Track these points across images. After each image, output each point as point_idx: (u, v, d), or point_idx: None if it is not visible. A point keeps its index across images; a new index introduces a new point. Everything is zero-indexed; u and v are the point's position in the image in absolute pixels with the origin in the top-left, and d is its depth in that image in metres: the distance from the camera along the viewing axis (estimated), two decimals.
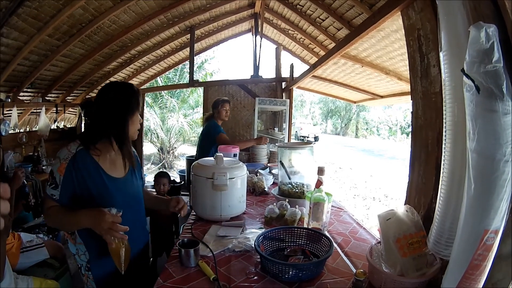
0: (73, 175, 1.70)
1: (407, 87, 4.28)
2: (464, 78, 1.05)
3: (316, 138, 27.20)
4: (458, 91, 1.15)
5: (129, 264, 1.71)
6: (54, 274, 2.91)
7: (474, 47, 1.03)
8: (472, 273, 1.08)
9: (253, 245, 1.81)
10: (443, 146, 1.26)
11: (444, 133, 1.26)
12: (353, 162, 16.09)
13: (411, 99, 1.78)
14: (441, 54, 1.24)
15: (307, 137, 26.89)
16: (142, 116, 2.16)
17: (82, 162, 1.73)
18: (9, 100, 5.41)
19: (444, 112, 1.25)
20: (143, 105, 7.83)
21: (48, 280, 2.69)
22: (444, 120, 1.26)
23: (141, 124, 2.01)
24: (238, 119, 7.15)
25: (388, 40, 3.10)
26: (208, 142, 4.53)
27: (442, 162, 1.27)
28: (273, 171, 3.81)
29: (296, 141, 19.71)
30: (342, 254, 1.88)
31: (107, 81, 7.33)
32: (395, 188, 9.94)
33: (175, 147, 14.92)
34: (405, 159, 13.87)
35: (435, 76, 1.50)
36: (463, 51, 1.09)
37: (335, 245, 1.96)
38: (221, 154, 2.54)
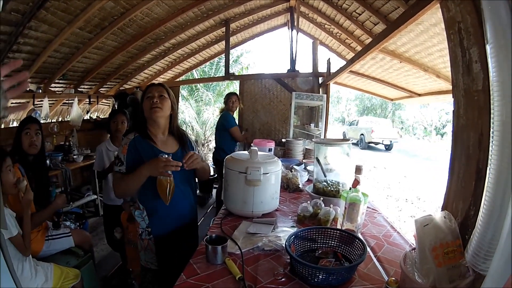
0: (132, 152, 2.20)
1: (445, 85, 4.16)
2: None
3: (388, 147, 20.05)
4: (506, 87, 1.06)
5: (179, 229, 2.31)
6: (76, 262, 2.89)
7: None
8: None
9: (283, 245, 1.75)
10: (490, 149, 1.17)
11: (491, 135, 1.16)
12: (387, 162, 15.74)
13: (453, 97, 1.66)
14: (487, 47, 1.16)
15: (381, 144, 20.04)
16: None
17: (138, 144, 2.23)
18: (40, 91, 5.53)
19: (491, 111, 1.16)
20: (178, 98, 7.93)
21: (69, 268, 2.68)
22: (491, 120, 1.16)
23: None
24: (275, 113, 7.17)
25: (427, 35, 3.01)
26: (221, 131, 5.37)
27: (488, 167, 1.17)
28: (308, 168, 3.75)
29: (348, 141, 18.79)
30: (375, 259, 1.80)
31: (142, 73, 7.47)
32: (428, 190, 9.70)
33: (210, 140, 14.98)
34: (440, 161, 13.61)
35: (478, 73, 1.38)
36: (509, 43, 1.02)
37: (368, 249, 1.88)
38: (256, 148, 2.49)
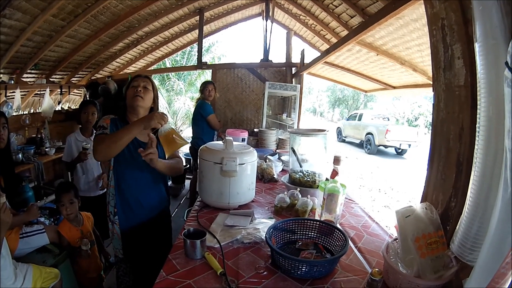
0: (113, 126, 2.22)
1: (421, 79, 4.22)
2: (506, 71, 0.95)
3: (402, 151, 15.25)
4: (493, 85, 1.08)
5: (149, 221, 2.35)
6: (53, 260, 2.76)
7: None
8: (498, 282, 0.99)
9: (263, 237, 1.74)
10: (476, 143, 1.18)
11: (477, 129, 1.18)
12: (359, 153, 15.93)
13: (433, 91, 1.69)
14: (476, 45, 1.16)
15: (398, 149, 15.05)
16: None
17: (118, 123, 2.26)
18: (12, 82, 5.32)
19: (478, 107, 1.17)
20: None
21: (47, 268, 2.57)
22: (478, 115, 1.18)
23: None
24: (247, 103, 7.20)
25: (407, 29, 3.03)
26: (199, 121, 5.32)
27: (474, 161, 1.19)
28: (282, 158, 3.74)
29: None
30: (356, 250, 1.81)
31: (114, 62, 7.32)
32: (400, 181, 10.04)
33: (181, 130, 14.89)
34: (411, 153, 13.69)
35: (460, 69, 1.42)
36: (499, 43, 1.04)
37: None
38: (231, 138, 2.43)
